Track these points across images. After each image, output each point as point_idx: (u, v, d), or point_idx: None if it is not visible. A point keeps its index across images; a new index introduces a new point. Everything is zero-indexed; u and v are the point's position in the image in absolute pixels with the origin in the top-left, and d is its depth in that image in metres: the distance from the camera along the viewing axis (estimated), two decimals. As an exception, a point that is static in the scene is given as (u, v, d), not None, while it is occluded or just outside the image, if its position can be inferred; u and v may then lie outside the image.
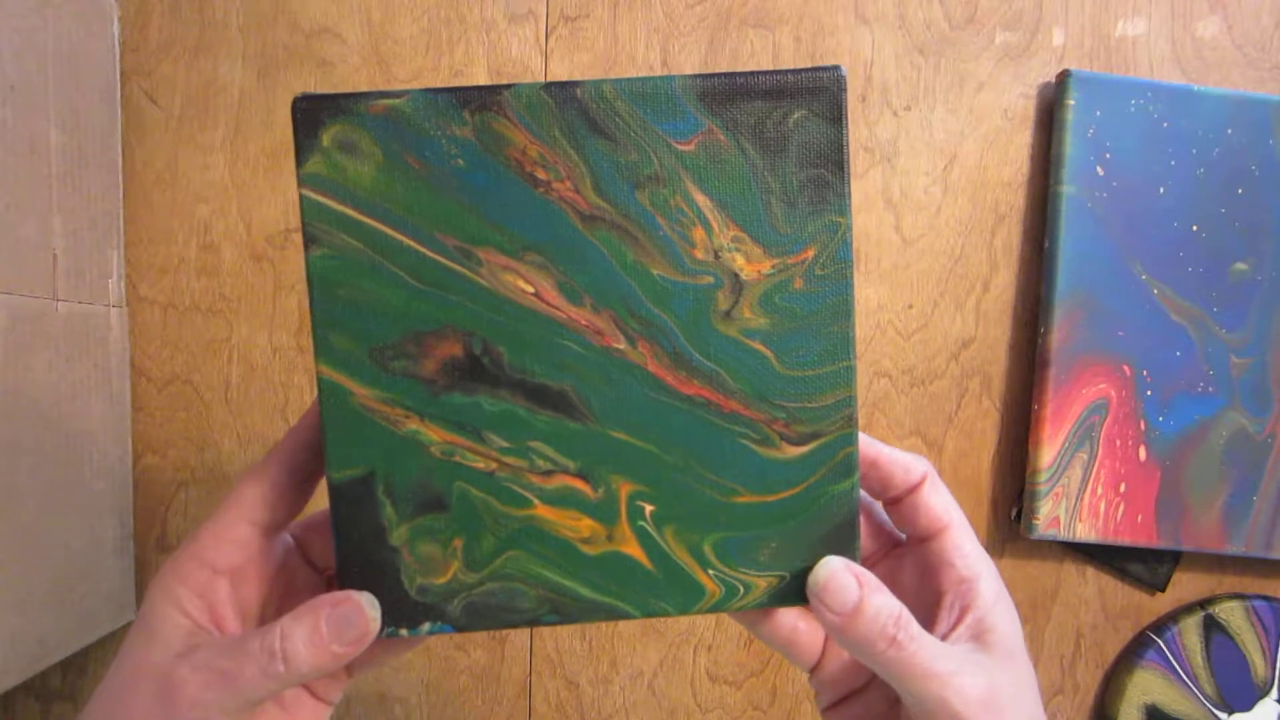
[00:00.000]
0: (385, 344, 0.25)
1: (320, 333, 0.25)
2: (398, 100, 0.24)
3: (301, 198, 0.24)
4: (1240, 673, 0.51)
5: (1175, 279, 0.49)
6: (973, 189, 0.51)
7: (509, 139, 0.24)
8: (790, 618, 0.29)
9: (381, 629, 0.25)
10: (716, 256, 0.25)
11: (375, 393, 0.25)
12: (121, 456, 0.48)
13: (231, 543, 0.26)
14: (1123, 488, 0.49)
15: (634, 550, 0.26)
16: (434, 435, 0.25)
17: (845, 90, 0.25)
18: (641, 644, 0.51)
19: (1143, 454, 0.49)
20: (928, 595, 0.29)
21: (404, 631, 0.26)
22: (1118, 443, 0.49)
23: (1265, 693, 0.51)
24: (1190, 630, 0.51)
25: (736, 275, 0.25)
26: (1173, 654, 0.50)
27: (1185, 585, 0.52)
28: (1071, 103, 0.49)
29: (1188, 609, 0.51)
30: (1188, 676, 0.51)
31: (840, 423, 0.26)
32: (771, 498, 0.26)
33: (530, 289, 0.25)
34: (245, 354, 0.49)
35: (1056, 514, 0.48)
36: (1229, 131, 0.49)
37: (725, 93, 0.25)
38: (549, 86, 0.24)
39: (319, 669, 0.24)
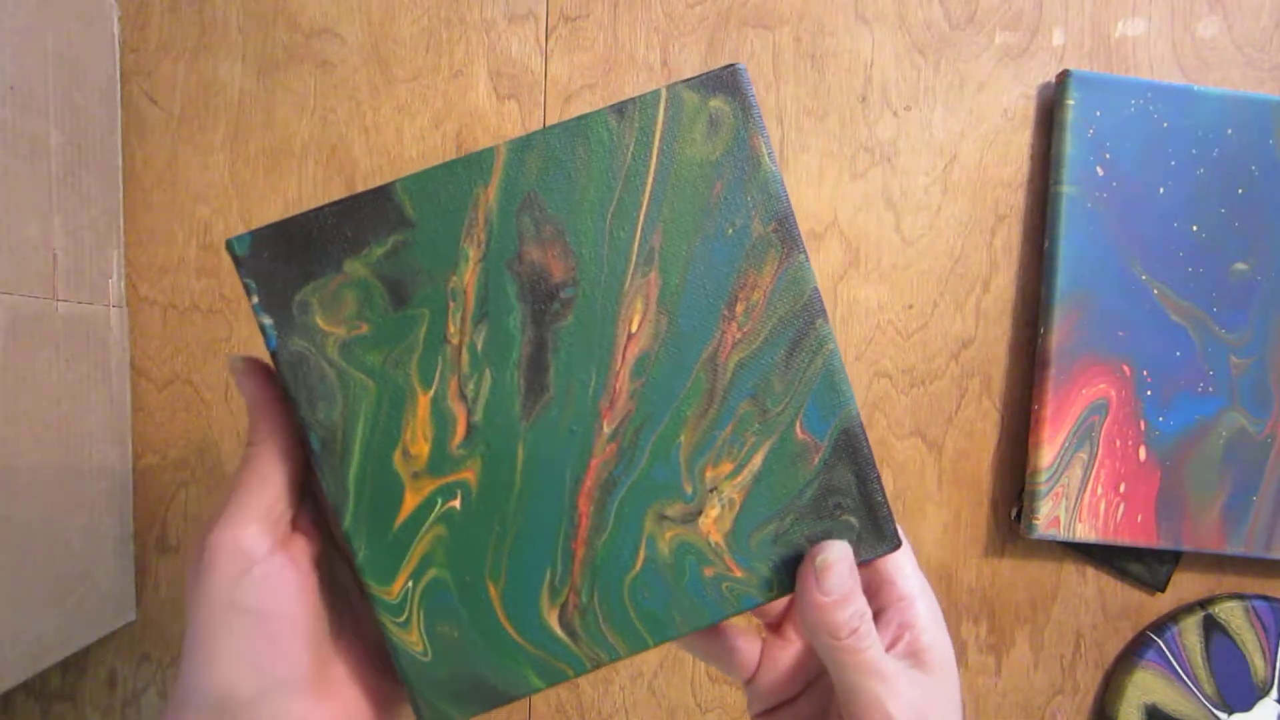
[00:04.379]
0: (543, 206, 0.25)
1: (534, 141, 0.25)
2: (767, 159, 0.25)
3: (658, 91, 0.25)
4: (1240, 673, 0.51)
5: (1175, 279, 0.49)
6: (973, 189, 0.51)
7: (763, 269, 0.26)
8: (730, 636, 0.31)
9: (248, 276, 0.25)
10: (711, 490, 0.26)
11: (492, 210, 0.25)
12: (121, 456, 0.48)
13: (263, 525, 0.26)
14: (1123, 488, 0.49)
15: (410, 502, 0.26)
16: (467, 275, 0.25)
17: (885, 554, 0.27)
18: (641, 644, 0.51)
19: (1143, 454, 0.49)
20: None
21: (254, 299, 0.25)
22: (1118, 443, 0.49)
23: (1265, 693, 0.51)
24: (1190, 630, 0.51)
25: (698, 514, 0.26)
26: (1173, 654, 0.50)
27: (1185, 585, 0.52)
28: (1071, 103, 0.49)
29: (1188, 609, 0.51)
30: (1188, 676, 0.51)
31: (589, 653, 0.27)
32: (500, 616, 0.26)
33: (633, 330, 0.26)
34: (245, 354, 0.49)
35: (1056, 514, 0.48)
36: (1229, 131, 0.49)
37: (854, 450, 0.27)
38: (816, 292, 0.26)
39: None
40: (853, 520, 0.27)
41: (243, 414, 0.49)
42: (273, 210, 0.49)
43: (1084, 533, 0.49)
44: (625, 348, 0.25)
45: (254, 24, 0.49)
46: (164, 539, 0.49)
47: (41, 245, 0.41)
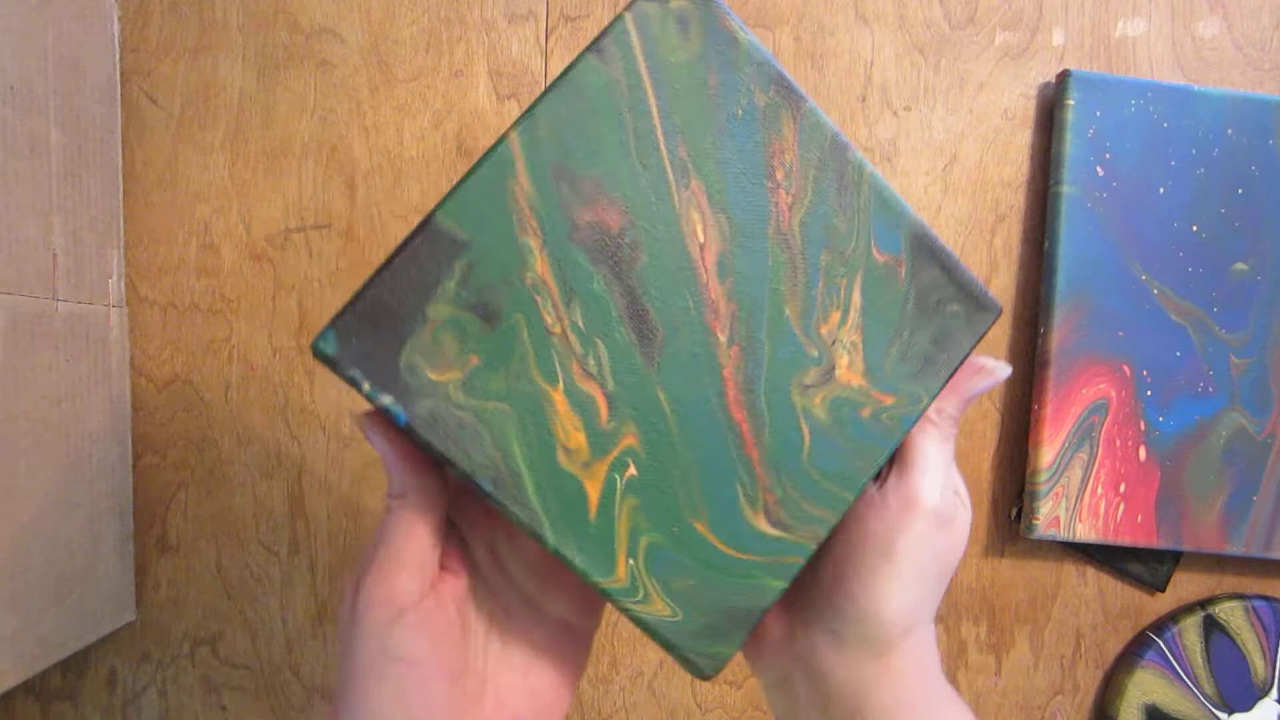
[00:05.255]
0: (572, 168, 0.25)
1: (538, 114, 0.25)
2: (742, 33, 0.26)
3: (621, 18, 0.25)
4: (1240, 673, 0.51)
5: (1175, 279, 0.49)
6: (973, 189, 0.51)
7: (782, 133, 0.26)
8: None
9: (349, 369, 0.24)
10: (833, 343, 0.27)
11: (531, 192, 0.25)
12: (121, 456, 0.48)
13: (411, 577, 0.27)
14: (1123, 488, 0.49)
15: (593, 492, 0.26)
16: (539, 265, 0.25)
17: (994, 321, 0.29)
18: (641, 644, 0.51)
19: (1143, 454, 0.49)
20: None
21: (365, 386, 0.24)
22: (1118, 443, 0.49)
23: (1265, 693, 0.51)
24: (1190, 630, 0.51)
25: (834, 368, 0.27)
26: (1173, 654, 0.50)
27: (1185, 585, 0.52)
28: (1071, 103, 0.49)
29: (1188, 609, 0.51)
30: (1188, 676, 0.51)
31: (808, 534, 0.28)
32: (721, 546, 0.27)
33: (701, 239, 0.26)
34: (245, 354, 0.49)
35: (1056, 514, 0.48)
36: (1229, 131, 0.49)
37: (929, 248, 0.28)
38: (836, 132, 0.27)
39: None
40: (956, 307, 0.28)
41: (242, 413, 0.49)
42: (273, 210, 0.49)
43: (1084, 533, 0.49)
44: (703, 258, 0.26)
45: (254, 24, 0.49)
46: (164, 539, 0.49)
47: (41, 245, 0.41)
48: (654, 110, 0.26)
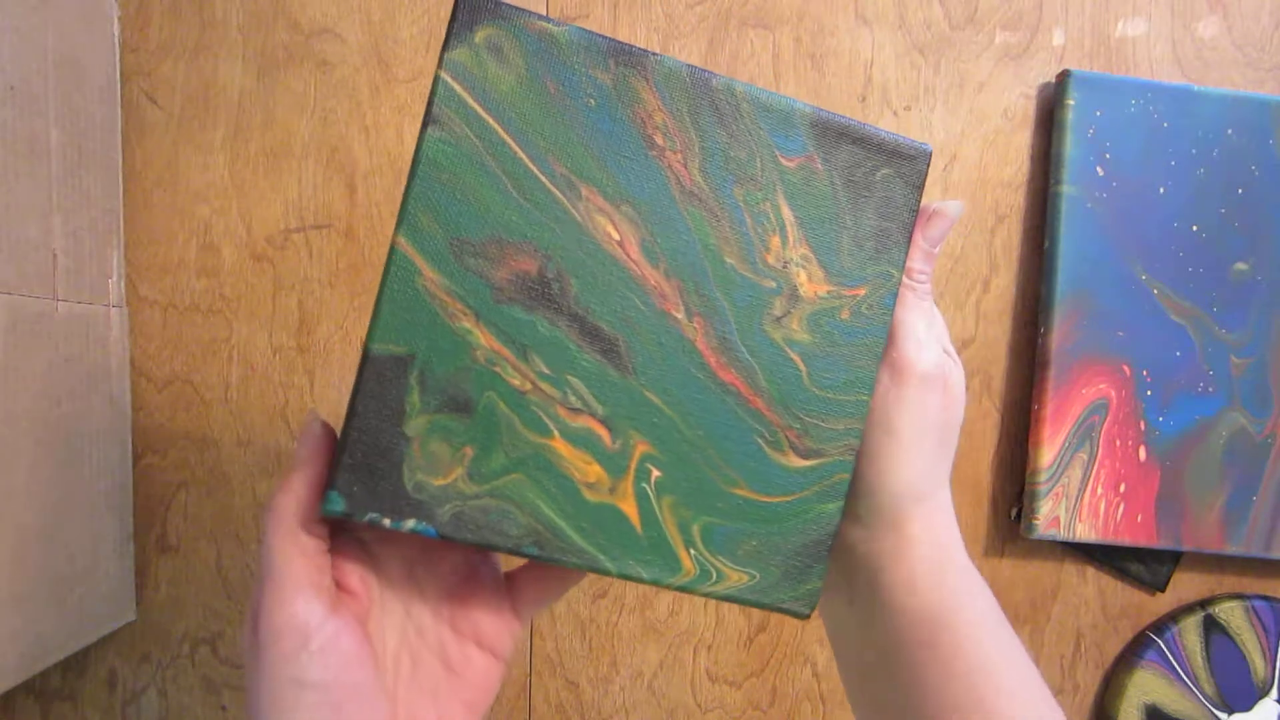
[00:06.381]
0: (468, 239, 0.25)
1: (411, 208, 0.25)
2: (556, 28, 0.26)
3: (438, 79, 0.25)
4: (1240, 673, 0.51)
5: (1175, 279, 0.49)
6: (973, 189, 0.51)
7: (641, 99, 0.26)
8: None
9: (365, 514, 0.25)
10: (784, 266, 0.27)
11: (443, 281, 0.25)
12: (121, 456, 0.48)
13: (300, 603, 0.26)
14: (1123, 488, 0.49)
15: (630, 509, 0.27)
16: (483, 340, 0.26)
17: (929, 164, 0.28)
18: (641, 644, 0.51)
19: (1143, 454, 0.49)
20: None
21: (387, 522, 0.25)
22: (1118, 443, 0.49)
23: (1265, 693, 0.51)
24: (1190, 630, 0.51)
25: (796, 289, 0.27)
26: (1173, 654, 0.51)
27: (1185, 585, 0.52)
28: (1071, 103, 0.49)
29: (1188, 609, 0.51)
30: (1188, 676, 0.51)
31: (843, 449, 0.28)
32: (766, 498, 0.27)
33: (616, 237, 0.26)
34: (245, 354, 0.49)
35: (1056, 514, 0.48)
36: (1229, 132, 0.49)
37: (833, 130, 0.27)
38: (691, 68, 0.26)
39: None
40: (886, 171, 0.28)
41: (242, 413, 0.49)
42: (273, 210, 0.49)
43: (1084, 533, 0.49)
44: (627, 253, 0.26)
45: (254, 24, 0.49)
46: (164, 539, 0.49)
47: (41, 245, 0.41)
48: (512, 144, 0.25)
